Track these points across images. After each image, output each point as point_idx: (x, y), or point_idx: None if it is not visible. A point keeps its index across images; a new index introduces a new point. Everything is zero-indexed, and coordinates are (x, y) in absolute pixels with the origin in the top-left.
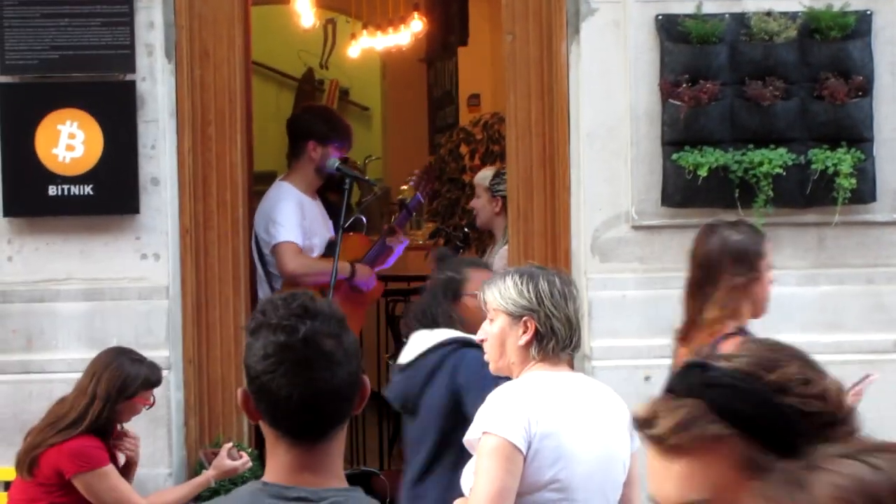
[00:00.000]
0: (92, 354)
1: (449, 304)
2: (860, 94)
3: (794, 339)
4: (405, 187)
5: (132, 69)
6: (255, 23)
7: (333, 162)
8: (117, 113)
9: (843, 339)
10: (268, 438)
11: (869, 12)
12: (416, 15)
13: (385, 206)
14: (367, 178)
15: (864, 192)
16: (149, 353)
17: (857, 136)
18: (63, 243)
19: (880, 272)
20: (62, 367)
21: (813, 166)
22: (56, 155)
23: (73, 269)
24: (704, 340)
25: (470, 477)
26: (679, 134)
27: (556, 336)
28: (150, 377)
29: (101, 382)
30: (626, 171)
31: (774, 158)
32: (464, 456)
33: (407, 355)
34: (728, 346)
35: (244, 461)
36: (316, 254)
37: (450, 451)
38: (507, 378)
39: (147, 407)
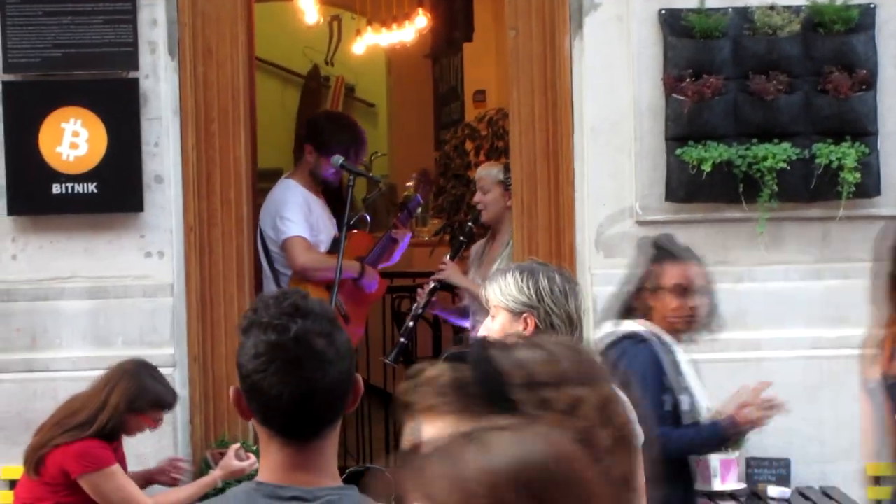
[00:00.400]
0: (97, 353)
1: (646, 295)
2: (864, 87)
3: (798, 333)
4: (410, 184)
5: (135, 67)
6: (262, 20)
7: (338, 159)
8: (121, 111)
9: (848, 334)
10: (261, 437)
11: (872, 6)
12: (420, 11)
13: (391, 203)
14: (371, 174)
15: (869, 186)
16: (154, 351)
17: (862, 129)
18: (67, 241)
19: None
20: (66, 366)
21: (817, 160)
22: (60, 153)
23: (78, 268)
24: None
25: None
26: (683, 129)
27: (556, 332)
28: (163, 397)
29: (115, 391)
30: (630, 166)
31: (778, 153)
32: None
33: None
34: None
35: (251, 462)
36: (322, 250)
37: None
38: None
39: (152, 429)
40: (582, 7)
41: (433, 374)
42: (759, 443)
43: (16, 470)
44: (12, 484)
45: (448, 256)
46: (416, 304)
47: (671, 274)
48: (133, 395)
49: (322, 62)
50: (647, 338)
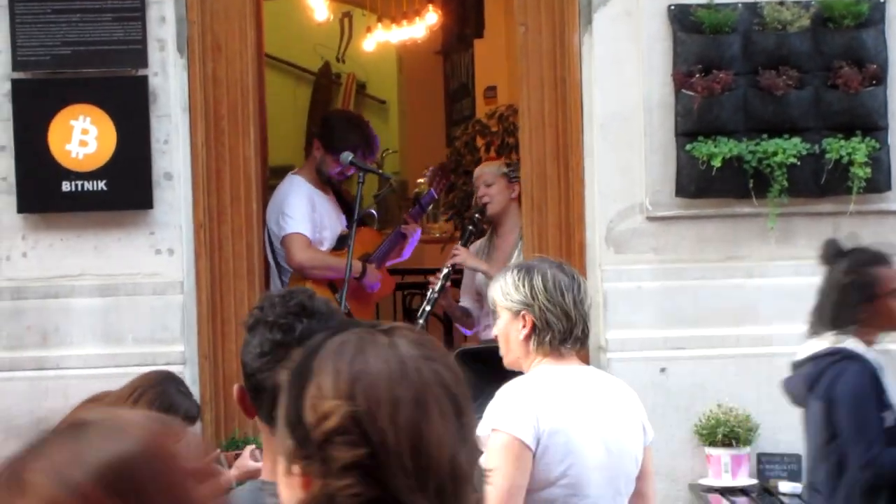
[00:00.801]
0: (107, 350)
1: (861, 305)
2: (874, 82)
3: None
4: (421, 181)
5: (144, 64)
6: (273, 18)
7: (347, 156)
8: (130, 108)
9: None
10: (264, 435)
11: (882, 0)
12: (430, 7)
13: (402, 200)
14: (381, 171)
15: (879, 181)
16: (163, 349)
17: (872, 124)
18: (77, 239)
19: None
20: (77, 364)
21: (827, 156)
22: (69, 151)
23: (88, 265)
24: None
25: None
26: (693, 124)
27: (552, 329)
28: (190, 413)
29: (142, 400)
30: (640, 162)
31: (788, 148)
32: (838, 469)
33: (801, 354)
34: None
35: None
36: (326, 247)
37: (823, 463)
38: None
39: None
40: (591, 3)
41: None
42: (770, 438)
43: None
44: None
45: (460, 243)
46: (430, 289)
47: (889, 278)
48: (162, 410)
49: (333, 59)
50: (863, 354)
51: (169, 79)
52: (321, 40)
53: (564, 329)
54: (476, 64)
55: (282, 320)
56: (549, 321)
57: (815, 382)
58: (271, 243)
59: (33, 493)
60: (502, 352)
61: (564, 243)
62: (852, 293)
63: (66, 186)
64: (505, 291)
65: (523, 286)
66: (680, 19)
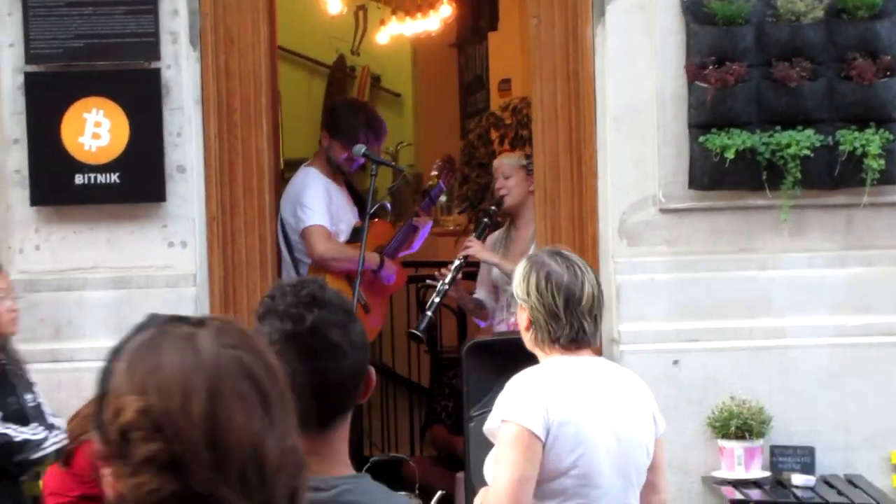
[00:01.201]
0: None
1: None
2: (888, 73)
3: (822, 321)
4: (434, 173)
5: (157, 57)
6: (288, 10)
7: (360, 148)
8: (143, 101)
9: (873, 322)
10: None
11: None
12: (444, 0)
13: (416, 192)
14: (394, 163)
15: (893, 173)
16: None
17: (886, 116)
18: (90, 232)
19: None
20: (90, 356)
21: (841, 147)
22: (82, 143)
23: (101, 258)
24: None
25: (492, 466)
26: (706, 116)
27: (540, 328)
28: None
29: None
30: (653, 155)
31: (802, 140)
32: None
33: None
34: None
35: None
36: (342, 239)
37: None
38: None
39: None
40: None
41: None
42: (784, 431)
43: None
44: (38, 473)
45: (474, 235)
46: (441, 281)
47: None
48: None
49: (348, 52)
50: None
51: (182, 71)
52: (336, 33)
53: (553, 329)
54: (490, 57)
55: (292, 310)
56: (537, 320)
57: None
58: (285, 235)
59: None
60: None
61: (577, 236)
62: None
63: (79, 179)
64: (515, 282)
65: (523, 282)
66: (693, 11)
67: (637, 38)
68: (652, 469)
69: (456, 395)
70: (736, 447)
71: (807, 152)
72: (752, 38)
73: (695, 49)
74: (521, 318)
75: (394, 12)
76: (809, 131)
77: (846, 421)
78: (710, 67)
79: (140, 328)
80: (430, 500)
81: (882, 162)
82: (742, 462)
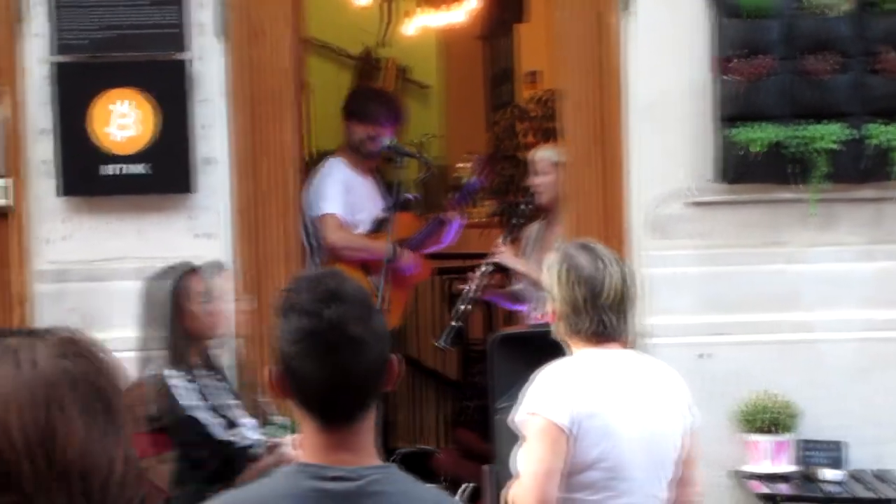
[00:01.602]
0: None
1: None
2: None
3: (850, 315)
4: (461, 165)
5: (184, 48)
6: (316, 1)
7: (385, 140)
8: (170, 92)
9: None
10: (299, 418)
11: None
12: None
13: (444, 184)
14: (421, 155)
15: None
16: None
17: None
18: (118, 223)
19: None
20: (118, 346)
21: (868, 141)
22: (110, 134)
23: (129, 249)
24: None
25: (520, 458)
26: (733, 109)
27: (564, 320)
28: None
29: None
30: (681, 147)
31: (830, 134)
32: None
33: None
34: None
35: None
36: (360, 230)
37: None
38: None
39: None
40: None
41: None
42: (812, 425)
43: None
44: None
45: (501, 239)
46: (467, 288)
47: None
48: None
49: (374, 44)
50: None
51: (208, 63)
52: (364, 24)
53: (573, 322)
54: (517, 49)
55: (310, 307)
56: (562, 311)
57: None
58: (306, 225)
59: None
60: None
61: (605, 228)
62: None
63: (107, 170)
64: (543, 274)
65: (549, 273)
66: (720, 4)
67: (664, 31)
68: (687, 463)
69: (480, 394)
70: (764, 441)
71: (834, 146)
72: (780, 31)
73: (722, 42)
74: (549, 309)
75: (420, 4)
76: (837, 125)
77: (876, 415)
78: (738, 60)
79: None
80: (458, 491)
81: None
82: (770, 456)
